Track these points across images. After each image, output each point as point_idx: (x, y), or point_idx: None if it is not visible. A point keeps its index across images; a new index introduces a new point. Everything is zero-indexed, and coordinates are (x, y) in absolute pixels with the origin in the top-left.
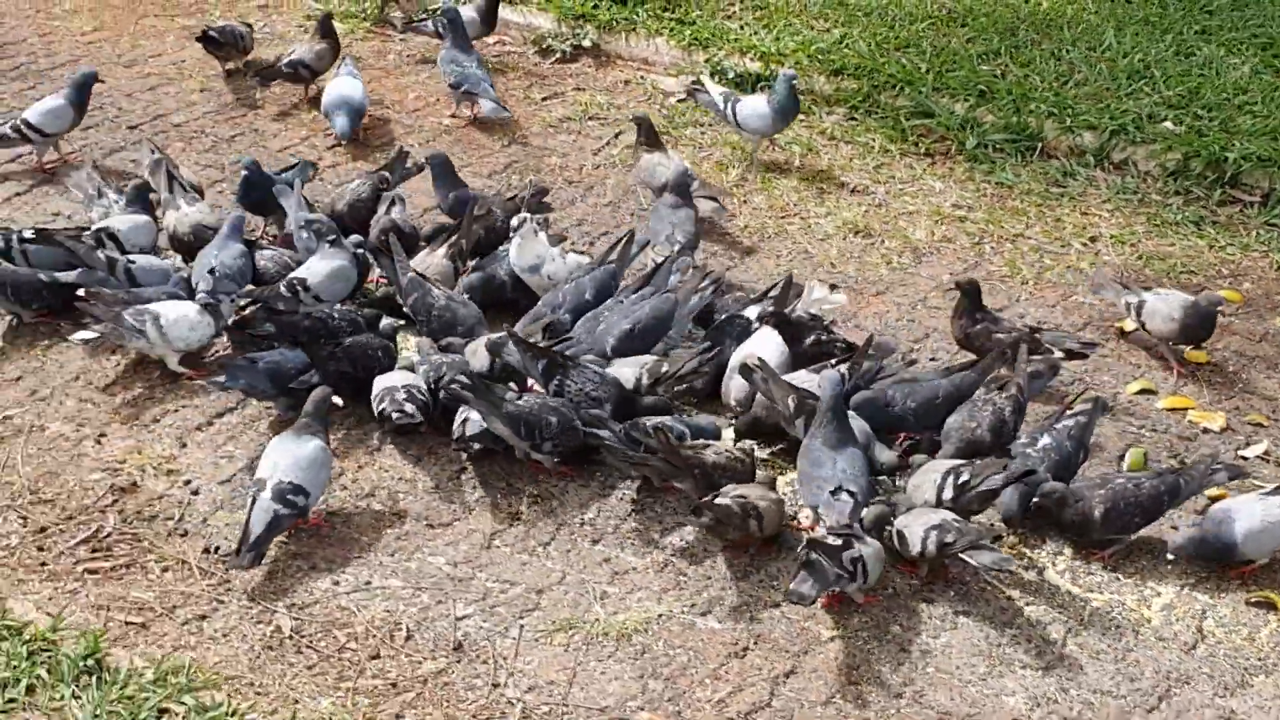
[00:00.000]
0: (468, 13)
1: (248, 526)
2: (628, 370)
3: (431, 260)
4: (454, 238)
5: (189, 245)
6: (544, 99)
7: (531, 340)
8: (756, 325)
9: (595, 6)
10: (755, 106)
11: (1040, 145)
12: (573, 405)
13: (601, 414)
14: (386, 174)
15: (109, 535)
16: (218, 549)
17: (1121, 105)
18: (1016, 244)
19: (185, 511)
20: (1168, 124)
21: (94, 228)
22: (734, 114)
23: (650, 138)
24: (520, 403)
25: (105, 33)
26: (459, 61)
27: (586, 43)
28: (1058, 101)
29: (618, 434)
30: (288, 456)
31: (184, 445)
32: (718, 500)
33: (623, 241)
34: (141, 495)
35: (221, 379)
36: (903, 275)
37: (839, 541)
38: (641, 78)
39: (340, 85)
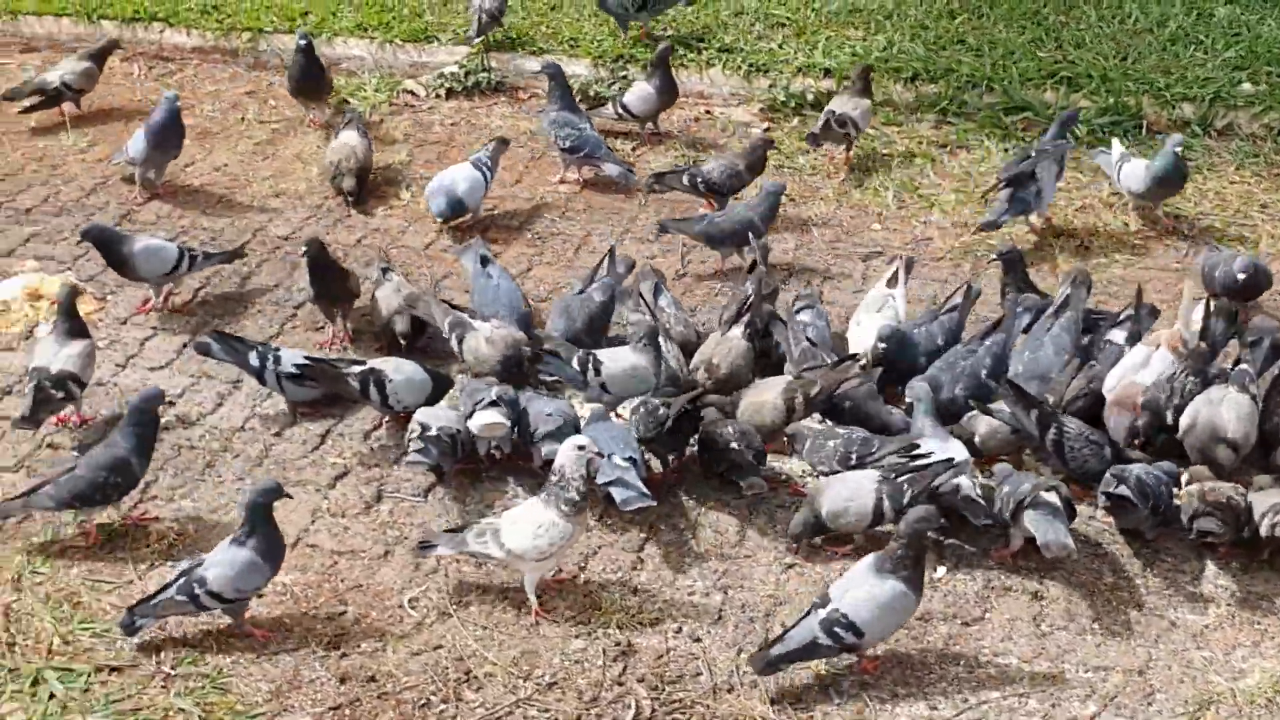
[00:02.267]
0: (643, 87)
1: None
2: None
3: (728, 343)
4: (747, 316)
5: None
6: (633, 149)
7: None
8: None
9: (632, 48)
10: (1134, 170)
11: (1143, 123)
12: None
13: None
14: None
15: None
16: None
17: (1195, 74)
18: (1201, 222)
19: None
20: (1245, 85)
21: (364, 367)
22: (1119, 173)
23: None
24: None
25: None
26: (573, 124)
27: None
28: (1142, 78)
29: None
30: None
31: None
32: None
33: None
34: None
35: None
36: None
37: None
38: (707, 113)
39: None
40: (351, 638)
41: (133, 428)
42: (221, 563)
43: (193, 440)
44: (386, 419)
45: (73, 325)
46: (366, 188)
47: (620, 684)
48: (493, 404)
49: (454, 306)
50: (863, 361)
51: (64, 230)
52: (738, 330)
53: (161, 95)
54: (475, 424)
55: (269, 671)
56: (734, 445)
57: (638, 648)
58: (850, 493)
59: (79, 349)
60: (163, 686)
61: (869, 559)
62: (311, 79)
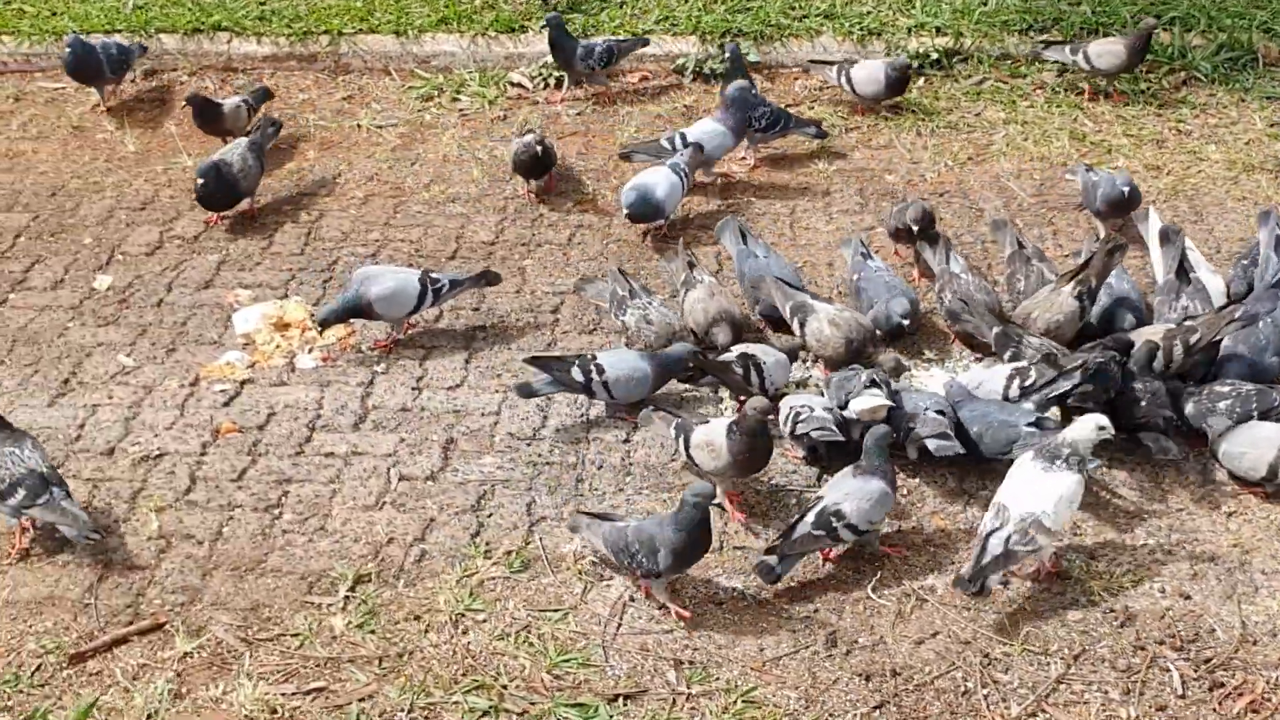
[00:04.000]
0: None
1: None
2: None
3: (1057, 299)
4: (1082, 274)
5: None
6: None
7: None
8: None
9: (739, 24)
10: None
11: (1258, 57)
12: None
13: None
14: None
15: None
16: None
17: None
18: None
19: None
20: None
21: (739, 353)
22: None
23: None
24: None
25: None
26: (762, 102)
27: (755, 56)
28: (1240, 13)
29: None
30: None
31: None
32: None
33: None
34: None
35: None
36: None
37: None
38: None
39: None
40: (843, 633)
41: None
42: (856, 494)
43: (546, 456)
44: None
45: None
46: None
47: (1141, 648)
48: (873, 385)
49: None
50: (1240, 311)
51: (251, 254)
52: (1070, 288)
53: None
54: (859, 406)
55: (788, 676)
56: (1145, 404)
57: (1135, 612)
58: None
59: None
60: (690, 707)
61: None
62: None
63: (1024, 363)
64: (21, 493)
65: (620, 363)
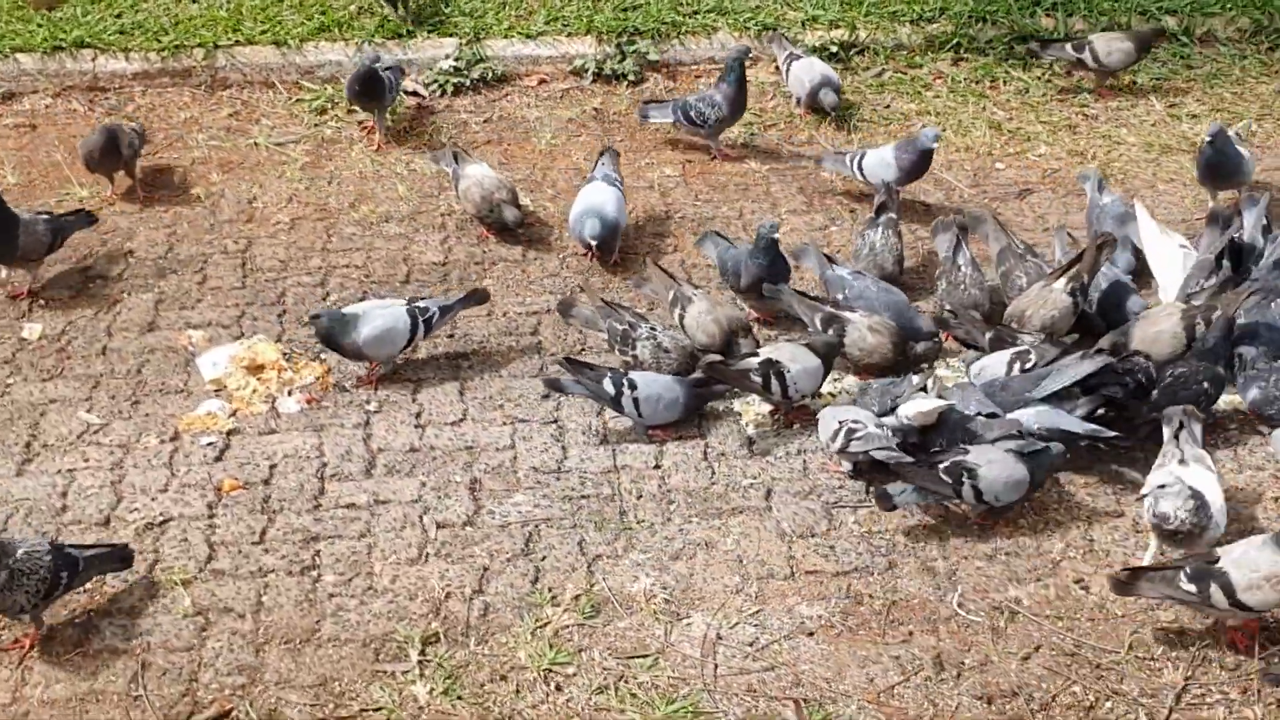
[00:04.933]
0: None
1: None
2: None
3: (1051, 296)
4: (1073, 270)
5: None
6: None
7: None
8: None
9: (633, 23)
10: None
11: None
12: None
13: None
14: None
15: None
16: None
17: None
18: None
19: None
20: None
21: (761, 359)
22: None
23: None
24: None
25: None
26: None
27: (654, 55)
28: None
29: None
30: None
31: None
32: None
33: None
34: None
35: None
36: None
37: None
38: None
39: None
40: (946, 655)
41: None
42: (999, 464)
43: (579, 489)
44: None
45: None
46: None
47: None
48: (922, 390)
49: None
50: (1256, 286)
51: (188, 290)
52: (1061, 283)
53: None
54: (913, 410)
55: (908, 706)
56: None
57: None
58: None
59: None
60: None
61: None
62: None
63: (1023, 346)
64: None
65: (654, 382)
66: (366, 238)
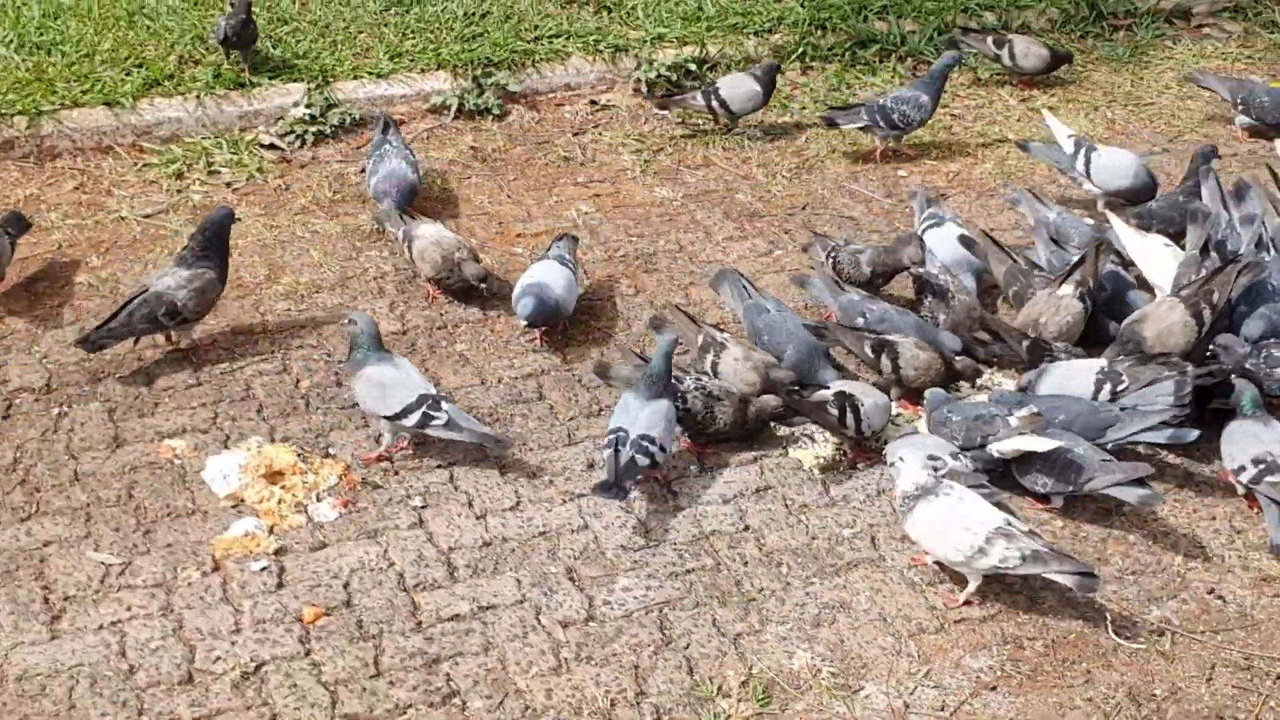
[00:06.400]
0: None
1: None
2: None
3: (1061, 302)
4: (1076, 274)
5: None
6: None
7: None
8: None
9: (483, 54)
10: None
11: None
12: None
13: None
14: None
15: None
16: None
17: None
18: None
19: None
20: None
21: (835, 391)
22: (1087, 169)
23: None
24: None
25: None
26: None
27: (514, 86)
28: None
29: None
30: None
31: None
32: None
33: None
34: None
35: None
36: None
37: None
38: (593, 102)
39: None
40: (1134, 689)
41: None
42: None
43: (679, 563)
44: None
45: None
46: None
47: None
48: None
49: None
50: (1245, 263)
51: (139, 395)
52: (1069, 289)
53: None
54: (1013, 447)
55: None
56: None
57: None
58: None
59: None
60: None
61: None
62: None
63: (1116, 369)
64: None
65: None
66: (308, 312)
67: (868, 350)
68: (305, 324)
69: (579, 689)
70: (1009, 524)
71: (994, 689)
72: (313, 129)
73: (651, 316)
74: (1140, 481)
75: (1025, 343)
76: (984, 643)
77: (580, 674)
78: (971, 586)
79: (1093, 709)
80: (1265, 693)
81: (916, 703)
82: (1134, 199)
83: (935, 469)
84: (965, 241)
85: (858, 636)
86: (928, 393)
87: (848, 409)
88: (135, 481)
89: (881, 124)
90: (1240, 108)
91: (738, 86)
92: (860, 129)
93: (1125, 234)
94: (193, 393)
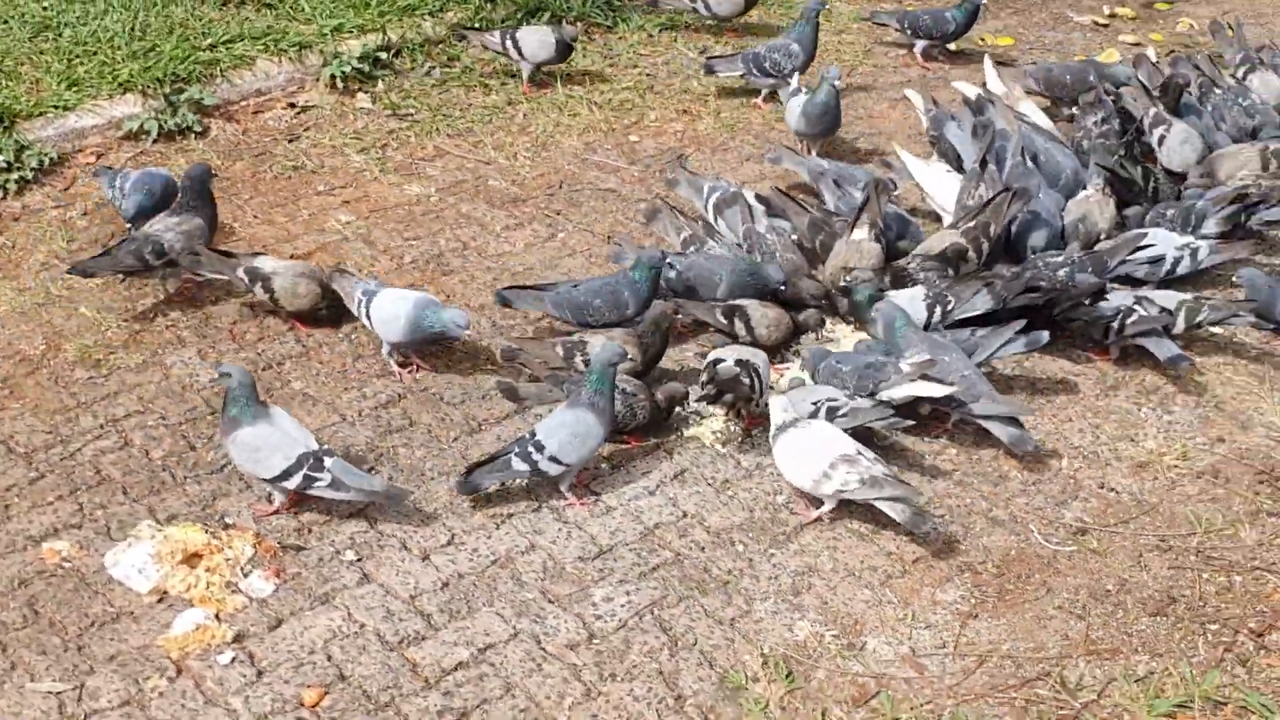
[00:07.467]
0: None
1: None
2: None
3: (859, 243)
4: (866, 216)
5: None
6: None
7: None
8: None
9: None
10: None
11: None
12: None
13: None
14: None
15: None
16: None
17: None
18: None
19: None
20: None
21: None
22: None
23: None
24: None
25: None
26: None
27: (209, 100)
28: None
29: None
30: None
31: None
32: None
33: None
34: None
35: None
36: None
37: None
38: (291, 105)
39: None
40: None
41: None
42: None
43: (646, 559)
44: None
45: None
46: None
47: None
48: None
49: None
50: (1014, 191)
51: (20, 483)
52: (862, 233)
53: None
54: (904, 394)
55: None
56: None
57: None
58: None
59: None
60: None
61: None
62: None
63: (938, 288)
64: None
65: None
66: (110, 376)
67: (720, 317)
68: (118, 389)
69: (620, 708)
70: (859, 453)
71: (975, 617)
72: (13, 176)
73: (499, 383)
74: (1016, 422)
75: (841, 297)
76: (946, 575)
77: (614, 693)
78: (826, 507)
79: (1068, 614)
80: (1193, 567)
81: (919, 645)
82: None
83: (832, 408)
84: (761, 200)
85: (838, 596)
86: (806, 350)
87: (735, 318)
88: (34, 596)
89: (755, 71)
90: (909, 32)
91: (533, 34)
92: (740, 76)
93: (910, 163)
94: (41, 487)
